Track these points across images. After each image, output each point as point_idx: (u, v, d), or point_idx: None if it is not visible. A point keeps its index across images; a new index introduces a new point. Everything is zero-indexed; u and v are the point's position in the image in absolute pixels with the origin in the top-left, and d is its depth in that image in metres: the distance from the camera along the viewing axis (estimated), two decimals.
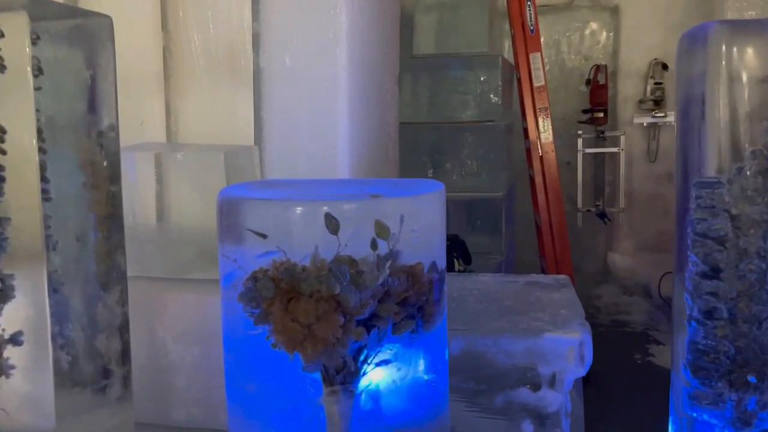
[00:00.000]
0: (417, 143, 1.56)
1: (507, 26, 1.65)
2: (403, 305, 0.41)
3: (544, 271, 1.48)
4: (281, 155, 0.69)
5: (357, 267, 0.41)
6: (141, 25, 0.71)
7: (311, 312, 0.40)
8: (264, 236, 0.45)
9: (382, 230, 0.40)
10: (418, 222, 0.42)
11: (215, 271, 0.64)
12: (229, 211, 0.46)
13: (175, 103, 0.72)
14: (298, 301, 0.40)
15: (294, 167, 0.68)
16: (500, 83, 1.51)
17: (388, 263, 0.41)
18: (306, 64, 0.66)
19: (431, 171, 1.58)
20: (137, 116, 0.74)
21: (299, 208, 0.42)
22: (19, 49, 0.47)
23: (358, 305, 0.40)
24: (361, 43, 0.68)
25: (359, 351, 0.42)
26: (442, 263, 0.44)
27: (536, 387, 0.54)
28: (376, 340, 0.41)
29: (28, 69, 0.46)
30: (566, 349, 0.54)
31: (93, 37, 0.52)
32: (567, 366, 0.53)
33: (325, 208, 0.40)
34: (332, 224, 0.40)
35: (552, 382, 0.53)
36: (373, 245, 0.41)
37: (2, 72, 0.48)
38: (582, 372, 0.54)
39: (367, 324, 0.41)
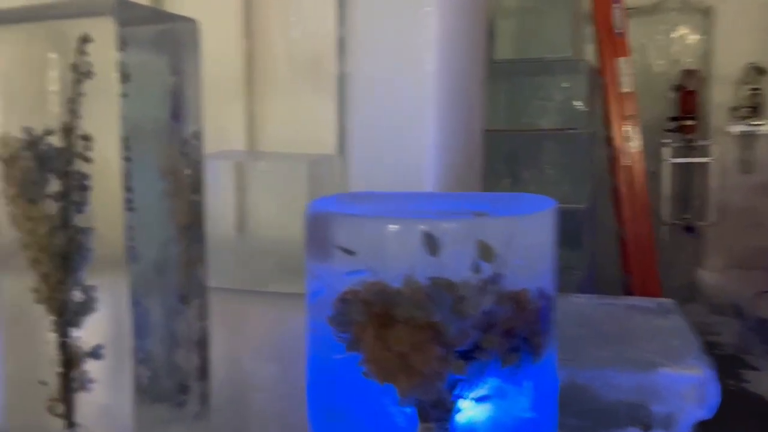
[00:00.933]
0: (493, 151, 1.50)
1: (590, 30, 1.58)
2: (508, 336, 0.37)
3: (627, 289, 1.40)
4: (365, 165, 0.66)
5: (457, 292, 0.37)
6: (224, 30, 0.70)
7: (406, 340, 0.36)
8: (352, 253, 0.42)
9: (486, 252, 0.37)
10: (525, 243, 0.38)
11: (295, 284, 0.62)
12: (317, 225, 0.43)
13: (257, 110, 0.71)
14: (391, 327, 0.37)
15: (378, 177, 0.65)
16: (585, 89, 1.44)
17: (492, 289, 0.37)
18: (393, 69, 0.63)
19: (508, 180, 1.53)
20: (218, 123, 0.72)
21: (394, 226, 0.38)
22: (106, 54, 0.45)
23: (458, 335, 0.36)
24: (450, 47, 0.64)
25: (457, 385, 0.38)
26: (551, 289, 0.39)
27: (647, 427, 0.48)
28: (477, 373, 0.37)
29: (115, 75, 0.45)
30: (685, 387, 0.48)
31: (179, 41, 0.51)
32: (685, 406, 0.48)
33: (423, 226, 0.37)
34: (432, 244, 0.36)
35: (667, 424, 0.48)
36: (476, 268, 0.37)
37: (90, 78, 0.47)
38: (704, 414, 0.48)
39: (468, 356, 0.37)
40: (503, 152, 1.54)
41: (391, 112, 0.64)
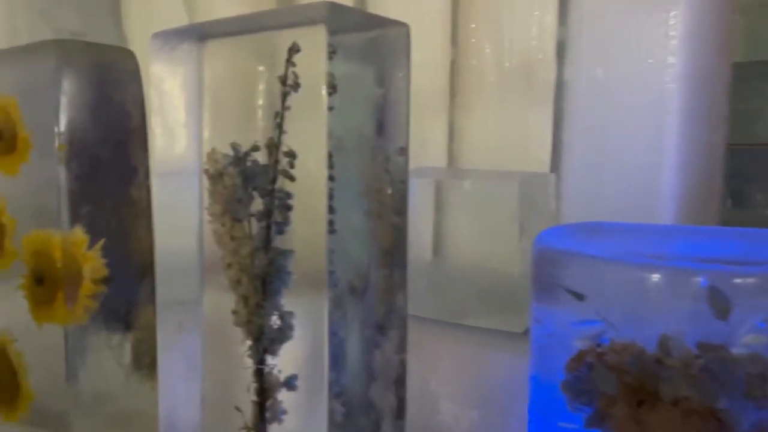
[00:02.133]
0: None
1: None
2: None
3: None
4: (584, 186, 0.57)
5: (747, 369, 0.28)
6: (429, 37, 0.65)
7: (678, 430, 0.28)
8: (581, 297, 0.34)
9: None
10: None
11: (499, 320, 0.55)
12: (544, 262, 0.35)
13: (460, 123, 0.65)
14: (653, 408, 0.28)
15: (599, 200, 0.56)
16: None
17: None
18: (625, 75, 0.54)
19: (729, 201, 1.32)
20: (418, 137, 0.67)
21: (657, 275, 0.30)
22: (315, 65, 0.42)
23: (754, 429, 0.27)
24: (700, 49, 0.53)
25: None
26: None
27: None
28: None
29: (323, 87, 0.41)
30: None
31: (388, 49, 0.46)
32: None
33: (704, 278, 0.28)
34: (720, 304, 0.27)
35: None
36: None
37: (296, 91, 0.44)
38: None
39: None
40: (727, 169, 1.34)
41: (620, 124, 0.55)
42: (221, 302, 0.48)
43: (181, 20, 0.81)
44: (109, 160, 0.58)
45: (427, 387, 0.55)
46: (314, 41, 0.41)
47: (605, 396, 0.30)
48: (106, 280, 0.57)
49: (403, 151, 0.48)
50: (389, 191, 0.48)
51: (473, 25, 0.63)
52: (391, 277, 0.49)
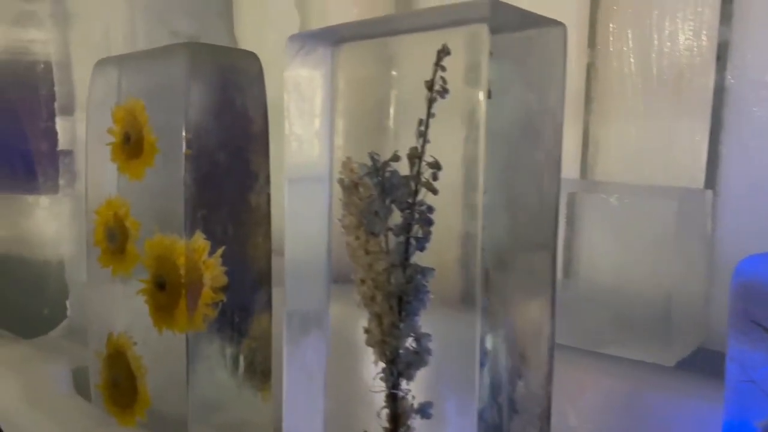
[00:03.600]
0: None
1: None
2: None
3: None
4: (746, 204, 0.51)
5: None
6: None
7: None
8: None
9: None
10: None
11: (640, 350, 0.50)
12: (753, 297, 0.31)
13: (596, 133, 0.60)
14: None
15: (764, 221, 0.50)
16: None
17: None
18: None
19: None
20: None
21: None
22: (469, 68, 0.38)
23: None
24: None
25: None
26: None
27: None
28: None
29: (481, 93, 0.37)
30: None
31: (542, 50, 0.42)
32: None
33: None
34: None
35: None
36: None
37: (443, 97, 0.40)
38: None
39: None
40: None
41: None
42: (348, 317, 0.45)
43: (292, 23, 0.80)
44: (229, 165, 0.57)
45: (565, 421, 0.51)
46: (471, 42, 0.38)
47: None
48: (224, 289, 0.56)
49: (556, 162, 0.44)
50: (537, 207, 0.44)
51: (615, 24, 0.57)
52: (536, 303, 0.44)
